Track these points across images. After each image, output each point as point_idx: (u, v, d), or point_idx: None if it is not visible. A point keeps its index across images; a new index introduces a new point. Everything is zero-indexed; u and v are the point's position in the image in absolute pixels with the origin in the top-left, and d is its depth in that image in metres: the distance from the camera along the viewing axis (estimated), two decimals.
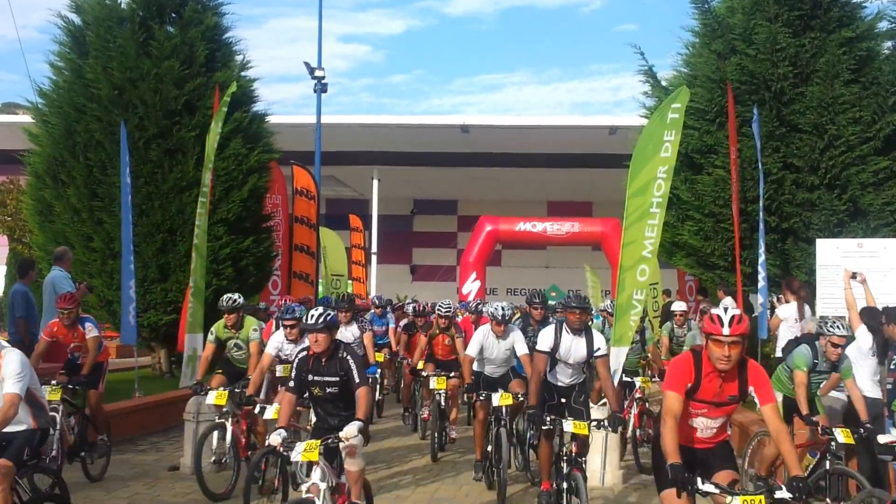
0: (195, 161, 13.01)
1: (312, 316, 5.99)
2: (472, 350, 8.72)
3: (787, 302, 10.59)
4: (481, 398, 8.53)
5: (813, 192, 12.46)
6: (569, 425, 6.81)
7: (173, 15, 13.91)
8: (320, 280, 18.53)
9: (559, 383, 7.61)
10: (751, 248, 12.22)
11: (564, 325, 7.41)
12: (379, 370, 12.21)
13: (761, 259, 11.32)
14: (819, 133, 12.42)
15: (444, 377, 10.13)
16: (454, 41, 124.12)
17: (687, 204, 13.22)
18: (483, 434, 8.74)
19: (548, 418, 6.98)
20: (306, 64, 23.28)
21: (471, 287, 27.45)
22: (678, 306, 12.40)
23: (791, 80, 12.63)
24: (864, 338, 8.07)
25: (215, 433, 8.08)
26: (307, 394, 6.32)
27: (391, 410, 13.95)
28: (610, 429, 7.00)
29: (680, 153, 13.23)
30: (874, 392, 7.95)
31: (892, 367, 7.31)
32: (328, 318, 5.97)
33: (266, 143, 14.79)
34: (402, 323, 15.40)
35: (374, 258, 30.52)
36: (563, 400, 7.48)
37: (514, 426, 9.04)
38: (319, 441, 5.71)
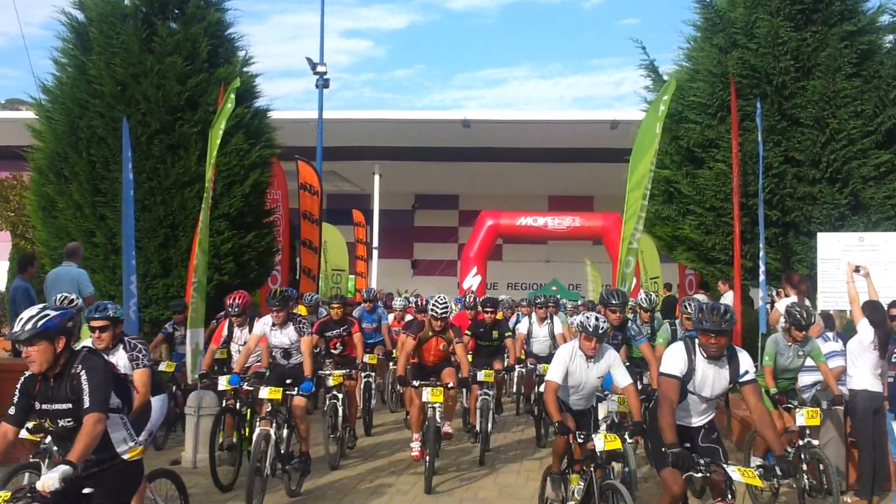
0: (197, 157, 13.04)
1: (20, 320, 4.38)
2: (555, 374, 6.63)
3: (787, 296, 10.62)
4: (579, 441, 6.26)
5: (814, 185, 12.48)
6: (736, 473, 5.10)
7: (176, 11, 13.90)
8: (320, 275, 18.56)
9: (689, 423, 5.74)
10: (752, 242, 12.24)
11: (698, 344, 5.53)
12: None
13: (761, 253, 11.34)
14: (820, 127, 12.45)
15: (441, 388, 8.55)
16: (456, 36, 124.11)
17: (688, 198, 13.24)
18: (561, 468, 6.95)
19: (701, 461, 5.23)
20: (308, 59, 23.29)
21: (472, 281, 27.49)
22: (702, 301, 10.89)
23: (792, 73, 12.64)
24: (865, 331, 8.11)
25: (27, 474, 6.12)
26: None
27: (381, 418, 12.93)
28: (781, 476, 5.25)
29: (681, 147, 13.32)
30: (875, 385, 8.00)
31: (893, 360, 7.35)
32: (40, 322, 4.34)
33: (268, 139, 14.79)
34: (389, 316, 14.44)
35: (375, 253, 30.57)
36: (689, 445, 5.53)
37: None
38: (10, 494, 4.25)
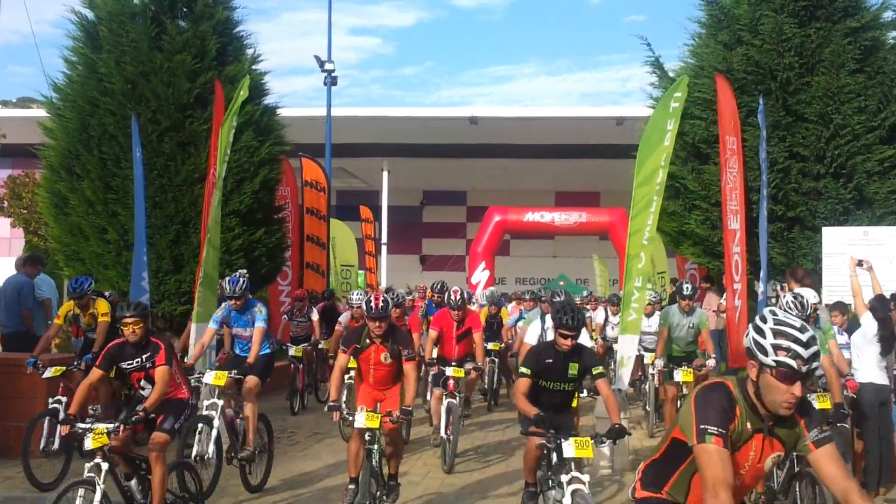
0: (207, 154, 13.16)
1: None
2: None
3: (791, 290, 10.69)
4: None
5: (819, 180, 12.55)
6: None
7: (185, 9, 14.04)
8: (329, 271, 18.68)
9: None
10: (757, 236, 12.31)
11: None
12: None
13: (762, 248, 11.38)
14: (825, 122, 12.51)
15: None
16: (464, 33, 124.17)
17: (694, 193, 13.32)
18: None
19: None
20: (316, 57, 23.41)
21: (480, 276, 27.63)
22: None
23: (797, 70, 12.70)
24: (868, 324, 8.20)
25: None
26: None
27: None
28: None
29: (687, 143, 13.38)
30: (881, 378, 8.10)
31: None
32: None
33: (277, 136, 14.92)
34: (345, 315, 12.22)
35: (384, 249, 30.71)
36: None
37: None
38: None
